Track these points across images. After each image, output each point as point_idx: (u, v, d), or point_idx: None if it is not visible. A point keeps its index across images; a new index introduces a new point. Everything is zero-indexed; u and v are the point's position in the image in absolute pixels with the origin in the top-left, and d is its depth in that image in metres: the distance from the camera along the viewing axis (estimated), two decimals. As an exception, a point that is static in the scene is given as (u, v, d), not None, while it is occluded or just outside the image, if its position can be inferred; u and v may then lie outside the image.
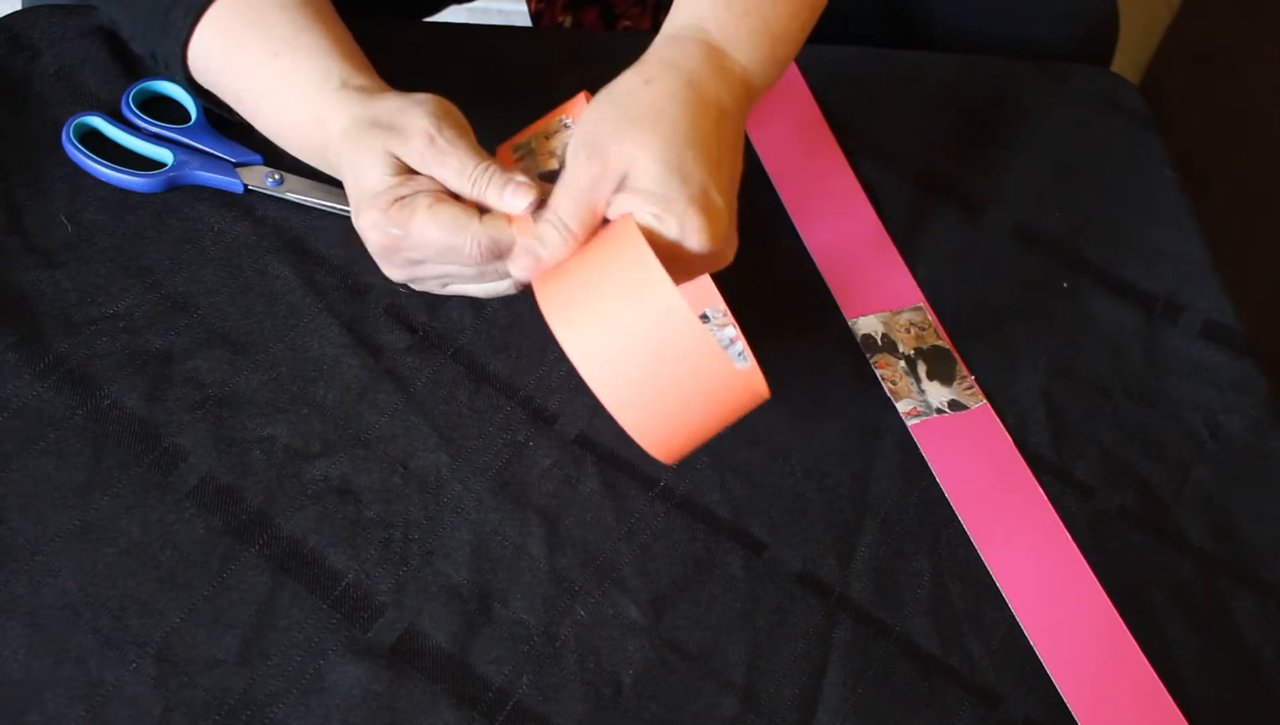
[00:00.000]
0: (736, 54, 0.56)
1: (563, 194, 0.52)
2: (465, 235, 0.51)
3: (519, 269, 0.52)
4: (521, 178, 0.53)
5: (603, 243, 0.51)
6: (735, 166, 0.54)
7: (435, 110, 0.53)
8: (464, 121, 0.55)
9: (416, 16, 0.92)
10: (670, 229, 0.51)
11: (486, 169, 0.53)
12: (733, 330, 0.59)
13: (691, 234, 0.51)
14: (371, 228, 0.53)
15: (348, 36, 0.59)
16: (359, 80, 0.56)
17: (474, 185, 0.53)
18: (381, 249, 0.54)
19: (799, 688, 0.54)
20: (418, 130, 0.53)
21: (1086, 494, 0.63)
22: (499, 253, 0.52)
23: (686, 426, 0.51)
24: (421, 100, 0.54)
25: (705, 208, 0.51)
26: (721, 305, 0.59)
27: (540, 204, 0.52)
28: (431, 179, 0.53)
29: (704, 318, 0.60)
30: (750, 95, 0.57)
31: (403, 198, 0.52)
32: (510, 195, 0.52)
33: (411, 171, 0.53)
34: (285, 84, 0.57)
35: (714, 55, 0.55)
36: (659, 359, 0.49)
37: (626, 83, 0.54)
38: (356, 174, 0.54)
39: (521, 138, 0.61)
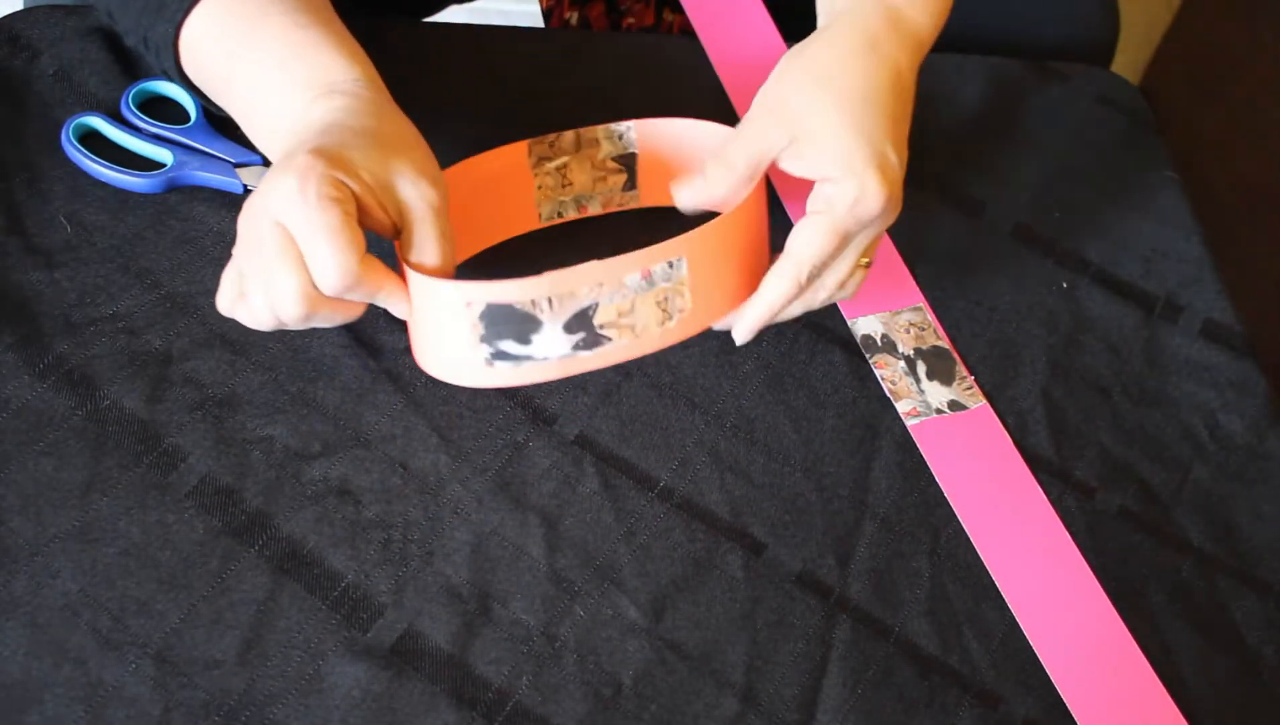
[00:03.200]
0: (911, 11, 0.59)
1: (736, 139, 0.54)
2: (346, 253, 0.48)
3: (687, 195, 0.55)
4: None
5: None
6: (908, 122, 0.57)
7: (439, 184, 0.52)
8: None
9: (416, 16, 0.92)
10: (848, 190, 0.53)
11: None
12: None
13: (870, 194, 0.53)
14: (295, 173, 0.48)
15: (349, 35, 0.58)
16: (367, 73, 0.55)
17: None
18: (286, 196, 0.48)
19: (799, 688, 0.55)
20: (436, 191, 0.51)
21: (1086, 494, 0.63)
22: (349, 287, 0.49)
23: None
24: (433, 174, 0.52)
25: (883, 167, 0.53)
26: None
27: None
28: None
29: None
30: (921, 50, 0.60)
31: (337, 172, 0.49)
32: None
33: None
34: (288, 65, 0.54)
35: (892, 15, 0.58)
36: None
37: (813, 45, 0.56)
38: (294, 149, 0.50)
39: (544, 146, 0.63)
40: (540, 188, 0.64)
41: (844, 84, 0.54)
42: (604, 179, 0.65)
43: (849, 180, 0.53)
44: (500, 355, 0.51)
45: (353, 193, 0.49)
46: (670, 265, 0.51)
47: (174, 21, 0.57)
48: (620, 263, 0.50)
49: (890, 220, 0.56)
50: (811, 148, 0.53)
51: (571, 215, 0.66)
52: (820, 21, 0.62)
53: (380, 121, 0.52)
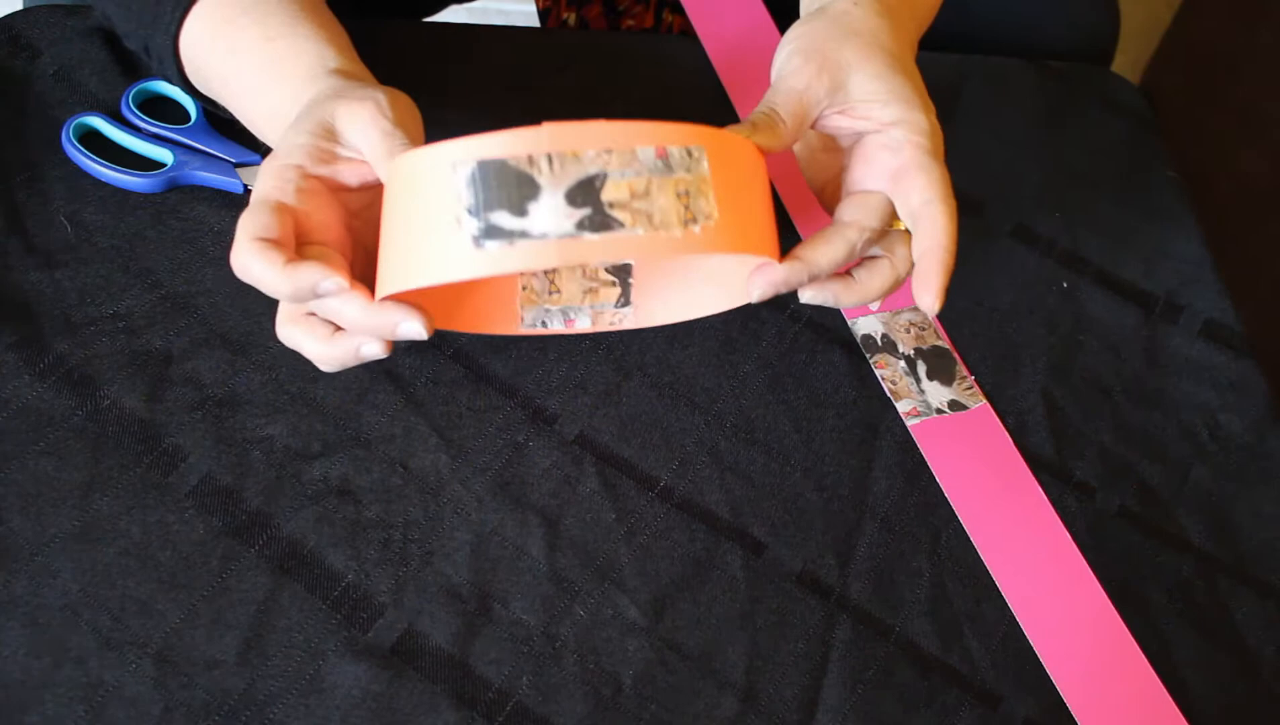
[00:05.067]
0: None
1: (777, 90, 0.53)
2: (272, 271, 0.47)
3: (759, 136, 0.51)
4: None
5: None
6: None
7: (397, 98, 0.51)
8: (419, 123, 0.52)
9: (416, 16, 0.92)
10: (922, 119, 0.52)
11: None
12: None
13: (937, 131, 0.52)
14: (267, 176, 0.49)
15: (342, 31, 0.58)
16: (349, 67, 0.55)
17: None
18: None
19: (799, 688, 0.55)
20: (369, 97, 0.50)
21: (1086, 494, 0.63)
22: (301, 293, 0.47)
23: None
24: (389, 89, 0.52)
25: (931, 111, 0.53)
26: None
27: None
28: (328, 185, 0.50)
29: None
30: (921, 28, 0.60)
31: (304, 182, 0.49)
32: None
33: (331, 159, 0.50)
34: (276, 67, 0.55)
35: None
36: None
37: (831, 10, 0.56)
38: (288, 130, 0.51)
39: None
40: (525, 289, 0.58)
41: (878, 37, 0.54)
42: (594, 291, 0.59)
43: (916, 112, 0.52)
44: (491, 231, 0.43)
45: (289, 206, 0.48)
46: (689, 153, 0.45)
47: (170, 33, 0.57)
48: (632, 129, 0.43)
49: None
50: (861, 90, 0.52)
51: (557, 328, 0.59)
52: (807, 5, 0.61)
53: (336, 88, 0.51)
